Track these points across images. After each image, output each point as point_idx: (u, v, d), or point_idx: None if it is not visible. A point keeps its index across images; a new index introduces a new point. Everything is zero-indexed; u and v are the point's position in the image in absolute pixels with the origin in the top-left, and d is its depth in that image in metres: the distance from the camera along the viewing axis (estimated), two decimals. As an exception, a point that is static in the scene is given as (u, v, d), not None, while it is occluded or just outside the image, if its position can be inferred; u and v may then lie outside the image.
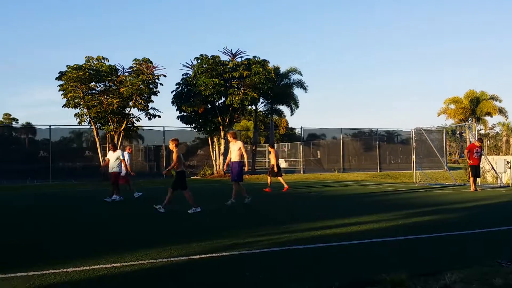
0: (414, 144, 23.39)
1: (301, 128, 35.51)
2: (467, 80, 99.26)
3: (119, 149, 16.03)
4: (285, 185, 17.35)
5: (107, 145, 28.18)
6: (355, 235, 7.43)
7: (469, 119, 48.48)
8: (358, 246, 6.59)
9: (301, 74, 34.24)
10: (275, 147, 18.44)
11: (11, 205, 14.69)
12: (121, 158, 14.69)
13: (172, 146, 11.04)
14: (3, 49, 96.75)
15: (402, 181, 23.27)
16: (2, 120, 60.67)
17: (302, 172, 33.16)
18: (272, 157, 17.98)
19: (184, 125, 30.59)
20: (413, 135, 23.52)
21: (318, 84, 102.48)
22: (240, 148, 12.65)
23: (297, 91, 34.58)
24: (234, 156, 12.64)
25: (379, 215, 9.65)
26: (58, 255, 6.32)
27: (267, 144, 19.72)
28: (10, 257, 6.32)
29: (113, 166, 14.58)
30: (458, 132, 59.87)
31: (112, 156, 14.65)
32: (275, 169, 17.69)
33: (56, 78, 26.93)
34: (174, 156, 10.82)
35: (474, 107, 49.24)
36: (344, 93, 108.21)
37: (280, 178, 17.73)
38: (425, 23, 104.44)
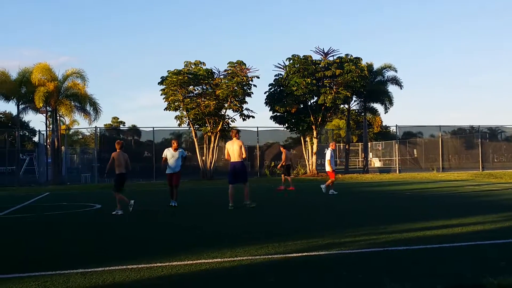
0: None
1: (396, 126, 34.47)
2: None
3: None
4: (282, 186, 18.61)
5: (204, 145, 29.37)
6: (457, 236, 7.11)
7: None
8: (461, 248, 6.30)
9: (396, 71, 33.15)
10: (287, 149, 20.18)
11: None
12: (183, 157, 13.06)
13: (116, 147, 11.65)
14: (114, 59, 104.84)
15: (508, 181, 21.71)
16: (111, 123, 65.43)
17: (397, 172, 32.14)
18: (283, 157, 19.10)
19: (277, 125, 31.23)
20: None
21: (414, 80, 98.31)
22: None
23: (391, 88, 33.46)
24: (236, 155, 11.88)
25: (484, 216, 9.12)
26: (165, 249, 6.73)
27: (280, 146, 21.30)
28: (125, 250, 6.86)
29: (173, 166, 12.74)
30: None
31: (174, 155, 12.74)
32: (280, 167, 19.24)
33: (158, 83, 28.60)
34: (111, 159, 11.55)
35: None
36: (442, 89, 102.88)
37: (284, 177, 18.97)
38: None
